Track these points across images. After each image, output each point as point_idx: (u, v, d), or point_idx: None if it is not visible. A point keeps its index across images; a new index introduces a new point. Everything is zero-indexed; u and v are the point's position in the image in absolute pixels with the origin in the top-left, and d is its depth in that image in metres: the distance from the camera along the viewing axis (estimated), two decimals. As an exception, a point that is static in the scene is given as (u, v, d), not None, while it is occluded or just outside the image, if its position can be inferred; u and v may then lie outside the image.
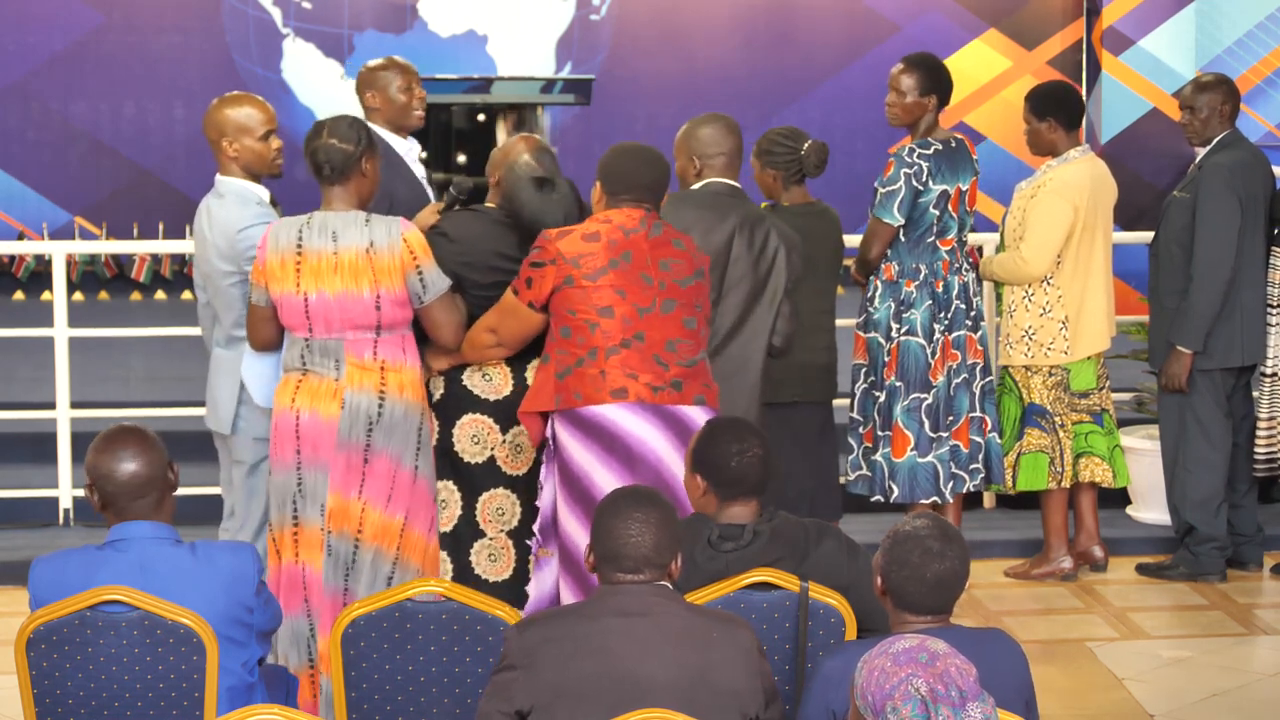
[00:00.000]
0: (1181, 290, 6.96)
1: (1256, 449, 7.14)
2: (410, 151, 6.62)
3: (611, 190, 5.15)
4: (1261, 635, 6.58)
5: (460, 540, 5.31)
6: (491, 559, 5.30)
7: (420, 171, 6.60)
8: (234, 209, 5.47)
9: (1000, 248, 7.10)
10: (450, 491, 5.30)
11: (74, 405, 7.59)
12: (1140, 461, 7.43)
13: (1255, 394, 7.21)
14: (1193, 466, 7.07)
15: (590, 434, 4.97)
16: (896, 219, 6.52)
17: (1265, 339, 7.06)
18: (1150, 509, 7.62)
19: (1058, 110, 6.91)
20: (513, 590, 5.22)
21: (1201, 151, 7.07)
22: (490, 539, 5.30)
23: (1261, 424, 7.13)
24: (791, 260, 5.74)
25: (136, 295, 11.14)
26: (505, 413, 5.25)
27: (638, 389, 4.99)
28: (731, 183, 5.78)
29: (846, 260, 6.83)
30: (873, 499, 6.71)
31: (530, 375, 5.25)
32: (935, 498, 6.65)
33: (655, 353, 5.03)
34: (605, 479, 4.88)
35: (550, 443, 5.04)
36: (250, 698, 4.11)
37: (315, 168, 5.14)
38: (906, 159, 6.54)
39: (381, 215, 5.15)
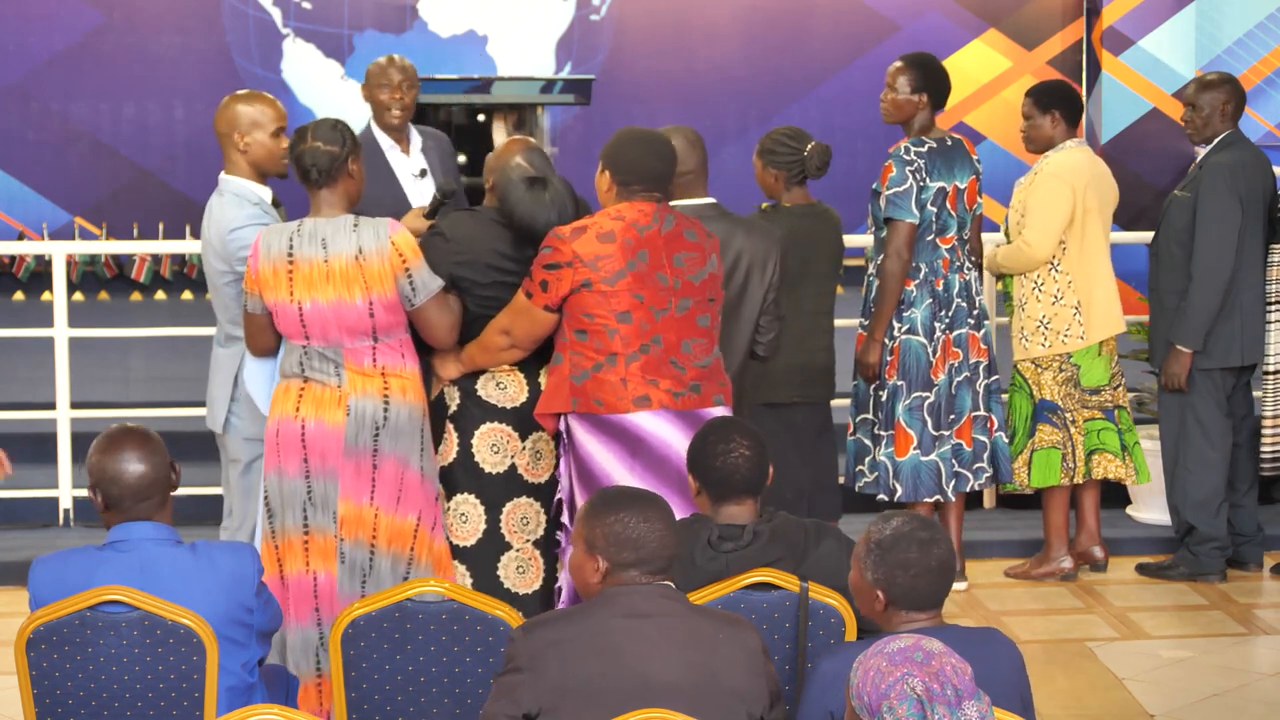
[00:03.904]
0: (1182, 290, 6.96)
1: (1263, 447, 7.14)
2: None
3: (622, 181, 5.05)
4: (1261, 635, 6.58)
5: (484, 554, 5.25)
6: (520, 571, 5.27)
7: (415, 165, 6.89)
8: (230, 209, 5.47)
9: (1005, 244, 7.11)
10: (472, 505, 5.25)
11: (74, 405, 7.59)
12: (1141, 461, 7.44)
13: (1258, 394, 7.22)
14: (1193, 466, 7.07)
15: (612, 437, 4.94)
16: (914, 215, 6.51)
17: (1265, 338, 7.06)
18: (1150, 509, 7.62)
19: (1061, 104, 6.94)
20: (543, 602, 5.21)
21: (1202, 150, 7.08)
22: (517, 550, 5.27)
23: (1267, 422, 7.13)
24: (768, 271, 5.55)
25: (136, 295, 11.14)
26: (523, 420, 5.22)
27: (660, 396, 4.95)
28: (700, 201, 5.60)
29: (848, 261, 6.83)
30: (877, 498, 6.70)
31: (544, 381, 5.21)
32: (938, 496, 6.65)
33: (672, 356, 4.99)
34: (628, 481, 4.84)
35: (565, 437, 5.02)
36: (250, 698, 4.11)
37: (303, 172, 5.12)
38: (905, 156, 6.55)
39: (369, 217, 5.11)
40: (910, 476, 6.61)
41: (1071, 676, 6.13)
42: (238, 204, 5.48)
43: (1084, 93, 11.27)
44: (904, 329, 6.60)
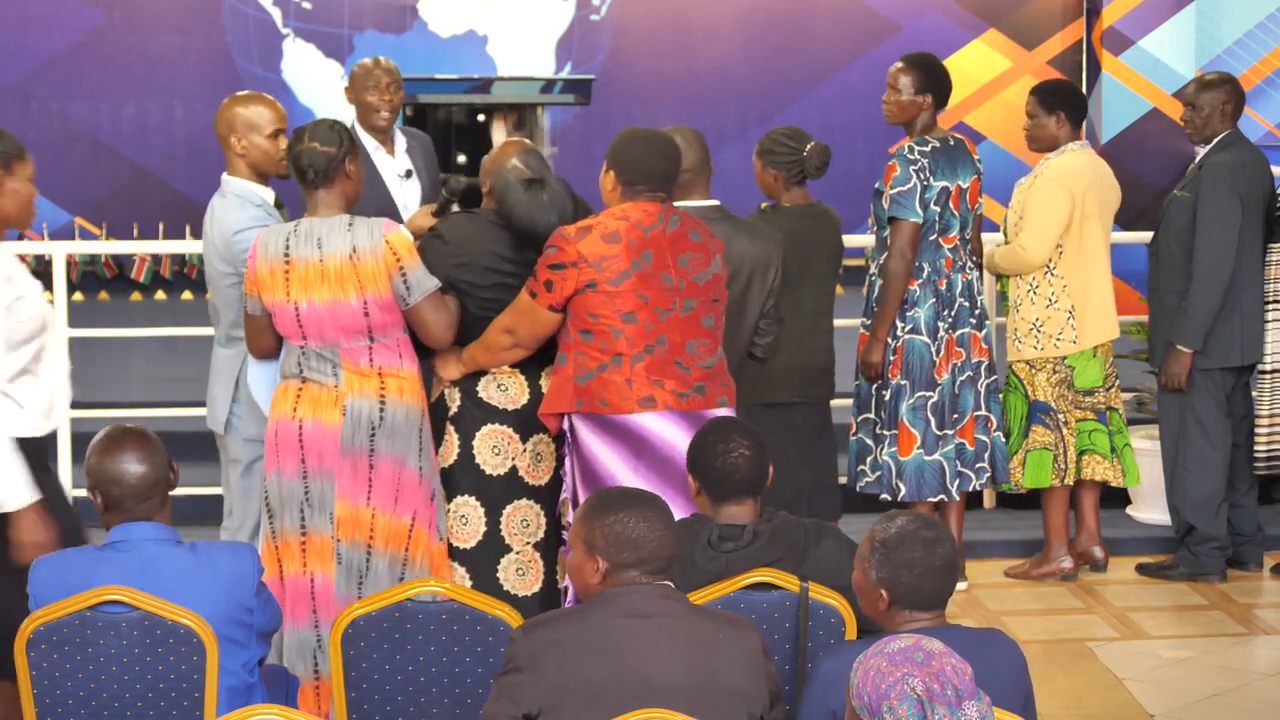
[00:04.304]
0: (1182, 290, 6.96)
1: (1257, 447, 7.14)
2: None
3: (627, 180, 5.04)
4: (1261, 635, 6.58)
5: (484, 556, 5.25)
6: (520, 573, 5.26)
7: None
8: (233, 211, 5.47)
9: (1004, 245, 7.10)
10: (472, 507, 5.25)
11: (74, 405, 7.57)
12: (1140, 461, 7.42)
13: (1254, 393, 7.21)
14: (1193, 466, 7.07)
15: (617, 437, 4.94)
16: (918, 214, 6.50)
17: (1264, 338, 7.06)
18: (1150, 509, 7.62)
19: (1067, 105, 6.94)
20: (543, 605, 5.19)
21: (1202, 150, 7.08)
22: (517, 553, 5.26)
23: (1262, 421, 7.13)
24: (769, 276, 5.58)
25: (136, 295, 11.15)
26: (524, 422, 5.22)
27: (665, 396, 4.95)
28: (703, 203, 5.60)
29: (847, 261, 6.82)
30: (880, 498, 6.69)
31: (545, 383, 5.21)
32: (942, 495, 6.63)
33: (677, 356, 4.98)
34: (632, 482, 4.84)
35: (569, 437, 5.01)
36: (250, 698, 4.11)
37: (299, 172, 5.13)
38: (909, 155, 6.54)
39: (364, 217, 5.10)
40: (914, 476, 6.60)
41: (1071, 676, 6.13)
42: (241, 206, 5.49)
43: (1084, 92, 11.27)
44: (907, 329, 6.59)
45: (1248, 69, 11.14)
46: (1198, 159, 7.10)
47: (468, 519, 5.24)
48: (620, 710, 3.48)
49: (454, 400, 5.26)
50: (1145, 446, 7.47)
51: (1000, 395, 6.89)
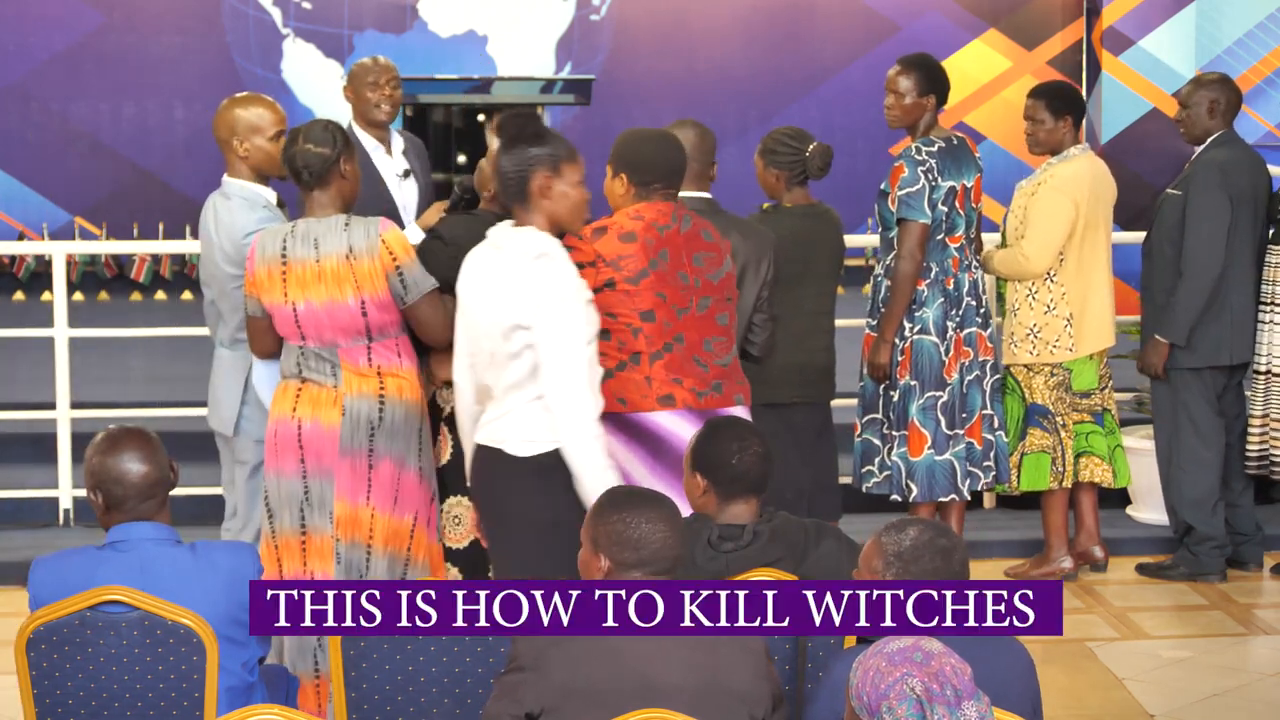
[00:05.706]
0: (1172, 288, 6.95)
1: (1249, 447, 7.14)
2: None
3: (642, 180, 5.02)
4: (1261, 635, 6.59)
5: (479, 556, 5.24)
6: None
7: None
8: (241, 213, 5.46)
9: (1002, 247, 7.09)
10: (466, 508, 5.23)
11: (74, 405, 7.59)
12: (1140, 461, 7.43)
13: (1248, 393, 7.21)
14: (1187, 465, 7.07)
15: (635, 436, 4.93)
16: (926, 215, 6.49)
17: (1255, 338, 7.05)
18: (1150, 509, 7.62)
19: (1073, 108, 6.94)
20: None
21: (1197, 150, 7.09)
22: None
23: (1255, 422, 7.13)
24: (762, 270, 5.59)
25: (136, 295, 11.15)
26: None
27: (683, 395, 4.95)
28: (694, 195, 5.59)
29: (848, 261, 6.81)
30: (890, 498, 6.68)
31: None
32: (954, 495, 6.62)
33: (695, 354, 4.99)
34: (649, 481, 4.83)
35: None
36: (250, 698, 4.11)
37: (294, 174, 5.12)
38: (917, 156, 6.52)
39: (361, 217, 5.09)
40: (925, 476, 6.59)
41: (1071, 676, 6.13)
42: (248, 208, 5.48)
43: (1084, 93, 11.28)
44: (916, 329, 6.57)
45: (1248, 69, 11.14)
46: (1192, 157, 7.10)
47: (461, 519, 5.24)
48: (621, 711, 3.48)
49: (447, 401, 5.25)
50: (1144, 446, 7.47)
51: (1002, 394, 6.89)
